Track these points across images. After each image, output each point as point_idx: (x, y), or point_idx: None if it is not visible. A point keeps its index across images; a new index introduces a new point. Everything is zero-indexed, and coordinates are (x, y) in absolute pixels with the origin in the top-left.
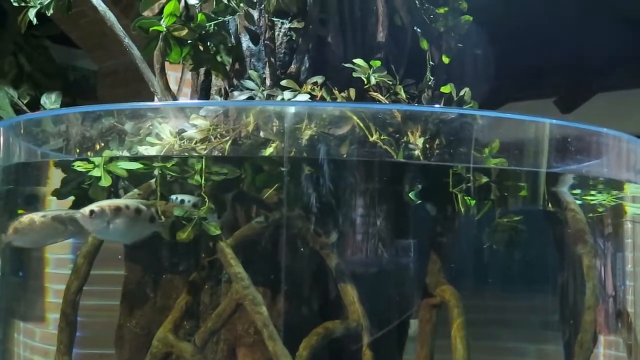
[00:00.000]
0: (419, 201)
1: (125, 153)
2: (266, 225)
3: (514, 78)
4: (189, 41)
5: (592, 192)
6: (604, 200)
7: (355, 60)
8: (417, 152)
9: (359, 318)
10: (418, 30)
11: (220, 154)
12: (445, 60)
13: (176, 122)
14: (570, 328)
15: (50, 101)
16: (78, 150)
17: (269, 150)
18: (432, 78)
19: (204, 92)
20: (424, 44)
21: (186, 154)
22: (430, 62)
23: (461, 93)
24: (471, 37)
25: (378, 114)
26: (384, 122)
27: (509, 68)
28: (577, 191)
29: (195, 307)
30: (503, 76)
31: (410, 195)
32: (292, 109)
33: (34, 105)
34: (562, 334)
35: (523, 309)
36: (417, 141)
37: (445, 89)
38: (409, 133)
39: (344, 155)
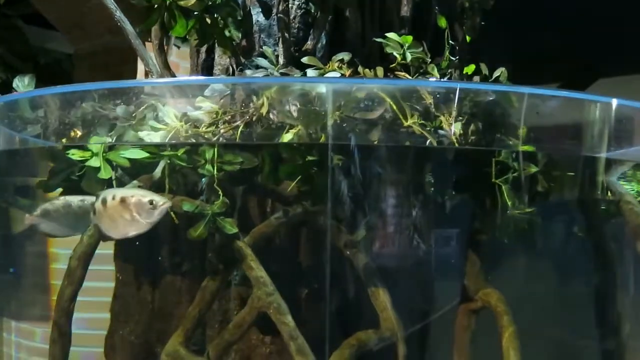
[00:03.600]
0: (460, 194)
1: (129, 139)
2: (286, 221)
3: (514, 64)
4: (195, 12)
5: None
6: None
7: (387, 35)
8: (454, 136)
9: (392, 326)
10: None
11: (236, 141)
12: (468, 38)
13: (186, 104)
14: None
15: (23, 84)
16: (65, 140)
17: (287, 137)
18: (456, 57)
19: (205, 71)
20: (442, 22)
21: (202, 140)
22: (451, 42)
23: (496, 73)
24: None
25: (434, 91)
26: (423, 103)
27: (510, 54)
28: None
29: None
30: (504, 62)
31: (452, 186)
32: (333, 87)
33: (6, 89)
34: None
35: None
36: (456, 126)
37: (469, 69)
38: (447, 115)
39: (374, 142)
